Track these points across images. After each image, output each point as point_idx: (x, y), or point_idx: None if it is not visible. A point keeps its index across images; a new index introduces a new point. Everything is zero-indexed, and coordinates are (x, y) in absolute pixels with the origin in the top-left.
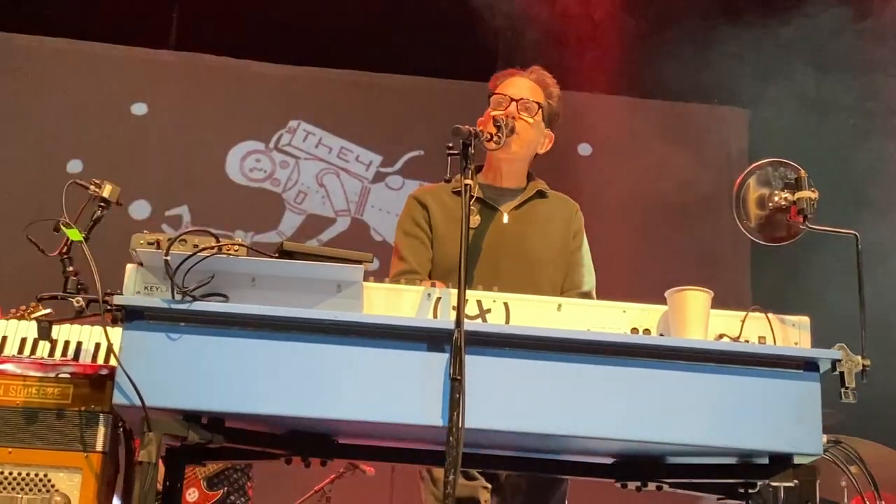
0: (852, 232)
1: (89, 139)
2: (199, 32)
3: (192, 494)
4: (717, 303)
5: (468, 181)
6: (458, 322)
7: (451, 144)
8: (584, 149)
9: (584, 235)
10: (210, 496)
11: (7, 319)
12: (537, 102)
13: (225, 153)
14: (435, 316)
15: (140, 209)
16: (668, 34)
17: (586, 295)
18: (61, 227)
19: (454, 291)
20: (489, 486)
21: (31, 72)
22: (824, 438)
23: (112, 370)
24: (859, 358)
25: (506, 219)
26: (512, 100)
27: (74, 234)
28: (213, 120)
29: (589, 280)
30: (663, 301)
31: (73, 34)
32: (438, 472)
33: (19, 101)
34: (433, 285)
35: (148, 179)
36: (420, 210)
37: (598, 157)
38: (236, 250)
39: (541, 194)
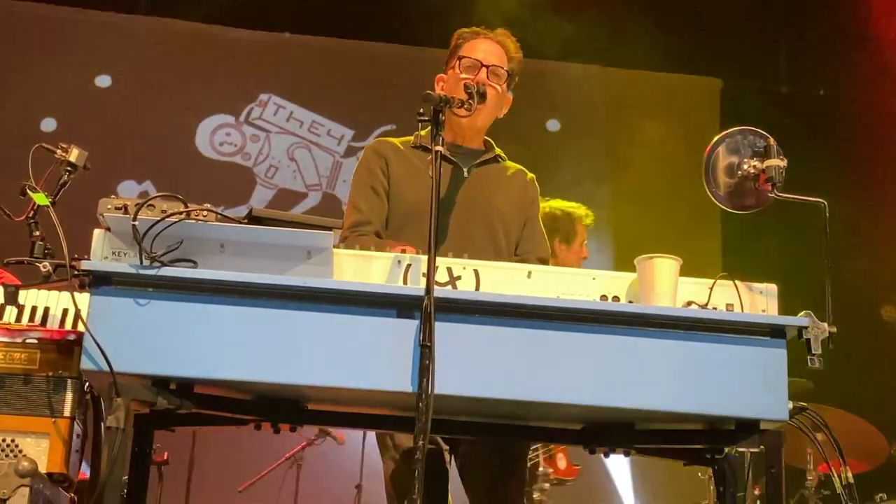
0: (820, 200)
1: (56, 106)
2: None
3: (561, 461)
4: (686, 270)
5: (439, 148)
6: (428, 289)
7: (421, 111)
8: (553, 125)
9: (539, 207)
10: (574, 470)
11: None
12: (504, 69)
13: (195, 126)
14: (405, 282)
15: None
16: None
17: (543, 261)
18: (28, 191)
19: (424, 258)
20: (447, 447)
21: None
22: (790, 405)
23: (80, 336)
24: (826, 325)
25: (466, 173)
26: (483, 65)
27: (41, 199)
28: (183, 91)
29: (546, 247)
30: (633, 268)
31: None
32: (399, 438)
33: None
34: (403, 251)
35: (115, 151)
36: (378, 160)
37: (568, 126)
38: (205, 216)
39: (498, 158)
